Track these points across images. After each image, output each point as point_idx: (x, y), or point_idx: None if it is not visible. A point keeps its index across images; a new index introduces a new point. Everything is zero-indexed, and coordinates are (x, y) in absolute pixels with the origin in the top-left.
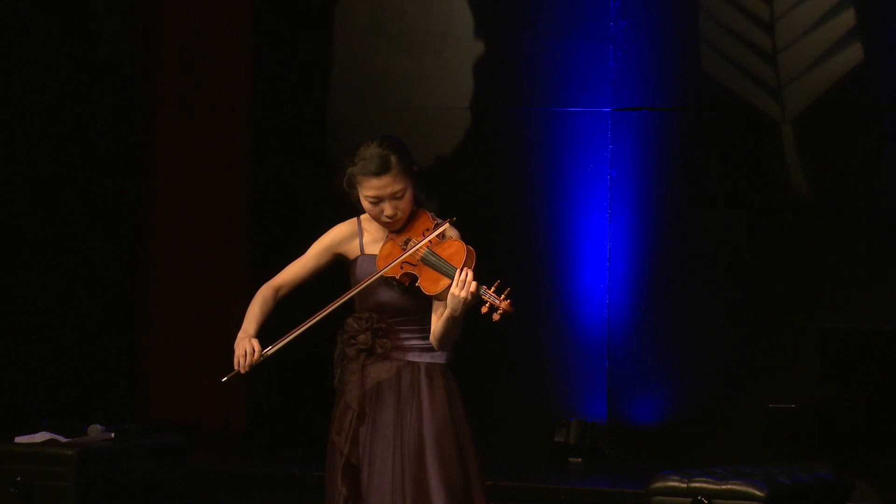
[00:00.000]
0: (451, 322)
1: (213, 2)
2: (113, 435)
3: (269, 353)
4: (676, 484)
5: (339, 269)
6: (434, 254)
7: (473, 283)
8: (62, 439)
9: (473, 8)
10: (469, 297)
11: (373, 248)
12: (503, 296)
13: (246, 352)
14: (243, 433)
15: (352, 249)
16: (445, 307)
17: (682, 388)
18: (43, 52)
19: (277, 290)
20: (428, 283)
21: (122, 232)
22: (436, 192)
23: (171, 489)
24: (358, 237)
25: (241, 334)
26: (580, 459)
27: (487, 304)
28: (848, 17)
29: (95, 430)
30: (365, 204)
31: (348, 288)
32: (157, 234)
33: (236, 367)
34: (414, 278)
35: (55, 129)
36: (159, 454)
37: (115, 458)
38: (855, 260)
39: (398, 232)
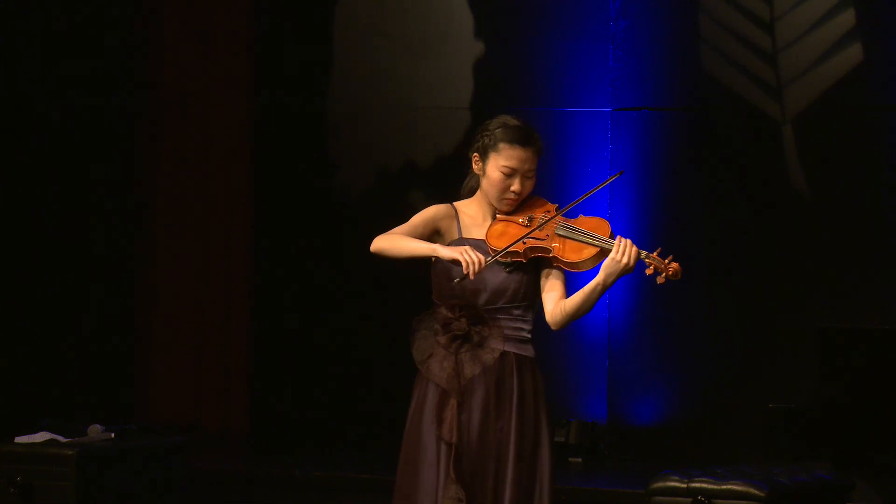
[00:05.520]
0: (598, 291)
1: (214, 1)
2: (113, 435)
3: (489, 261)
4: (676, 484)
5: (421, 264)
6: (572, 227)
7: (635, 249)
8: (62, 439)
9: (473, 8)
10: (632, 263)
11: (472, 232)
12: (668, 259)
13: (479, 260)
14: (243, 433)
15: (451, 229)
16: (563, 283)
17: (682, 388)
18: (42, 52)
19: None
20: (569, 252)
21: (122, 232)
22: (436, 192)
23: (171, 489)
24: (455, 220)
25: (445, 250)
26: (580, 459)
27: (652, 267)
28: (848, 17)
29: (95, 430)
30: (494, 175)
31: (426, 287)
32: (157, 234)
33: (466, 271)
34: (541, 252)
35: (56, 129)
36: (159, 454)
37: (115, 458)
38: (855, 260)
39: (509, 214)
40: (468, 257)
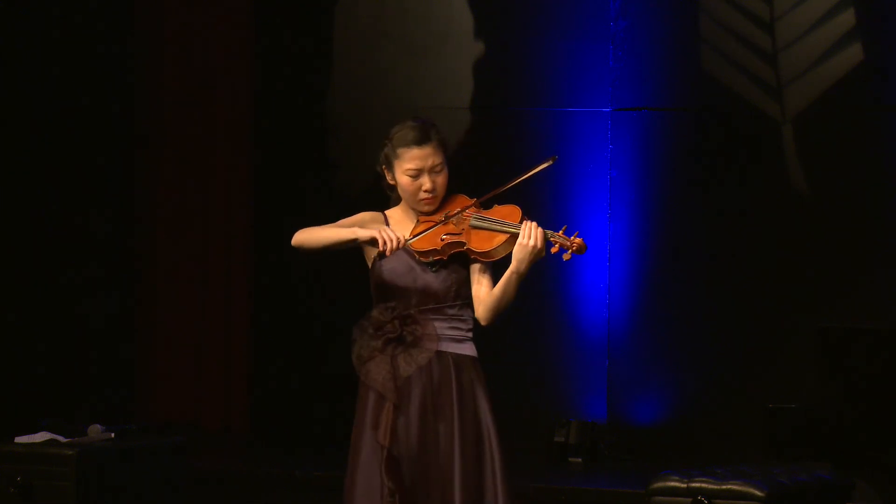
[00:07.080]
0: (514, 280)
1: (214, 1)
2: (113, 435)
3: (409, 241)
4: (676, 484)
5: (361, 261)
6: (483, 218)
7: (540, 230)
8: (62, 439)
9: (473, 8)
10: (539, 245)
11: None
12: (573, 236)
13: (396, 238)
14: (243, 433)
15: None
16: (489, 276)
17: (682, 388)
18: (42, 52)
19: None
20: (481, 243)
21: (122, 231)
22: None
23: (171, 489)
24: (385, 223)
25: (364, 231)
26: (580, 459)
27: (557, 245)
28: (848, 17)
29: (95, 430)
30: (403, 180)
31: (368, 280)
32: (157, 234)
33: (382, 248)
34: (457, 247)
35: (56, 129)
36: (159, 454)
37: (115, 458)
38: (855, 260)
39: (431, 214)
40: (385, 235)
